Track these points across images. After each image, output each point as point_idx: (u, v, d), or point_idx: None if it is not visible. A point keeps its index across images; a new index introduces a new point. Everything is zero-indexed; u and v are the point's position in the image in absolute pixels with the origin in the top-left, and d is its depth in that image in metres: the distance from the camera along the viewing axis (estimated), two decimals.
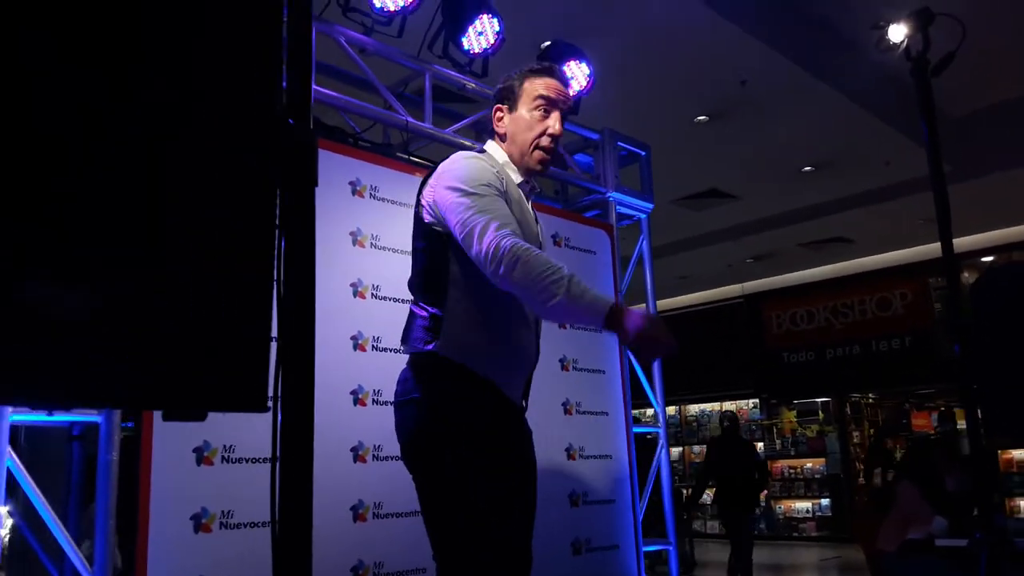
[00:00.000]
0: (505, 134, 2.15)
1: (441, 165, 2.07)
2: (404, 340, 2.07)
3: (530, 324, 2.12)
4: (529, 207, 2.17)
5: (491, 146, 2.19)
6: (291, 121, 1.35)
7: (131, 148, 0.99)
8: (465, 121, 3.91)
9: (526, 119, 2.11)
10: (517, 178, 2.13)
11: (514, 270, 1.81)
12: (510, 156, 2.15)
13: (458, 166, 2.01)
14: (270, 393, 1.11)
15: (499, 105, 2.17)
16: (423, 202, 2.06)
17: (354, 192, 3.33)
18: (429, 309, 2.00)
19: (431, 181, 2.05)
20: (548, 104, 2.11)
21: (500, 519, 1.91)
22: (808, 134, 6.98)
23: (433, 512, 1.95)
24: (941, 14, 2.80)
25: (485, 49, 3.68)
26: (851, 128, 6.79)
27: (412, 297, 2.11)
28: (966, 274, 9.83)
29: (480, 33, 3.62)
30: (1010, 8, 5.54)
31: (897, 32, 2.84)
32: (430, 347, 1.97)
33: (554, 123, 2.11)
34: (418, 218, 2.09)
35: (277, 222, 1.24)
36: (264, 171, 1.18)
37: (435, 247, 2.02)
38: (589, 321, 1.84)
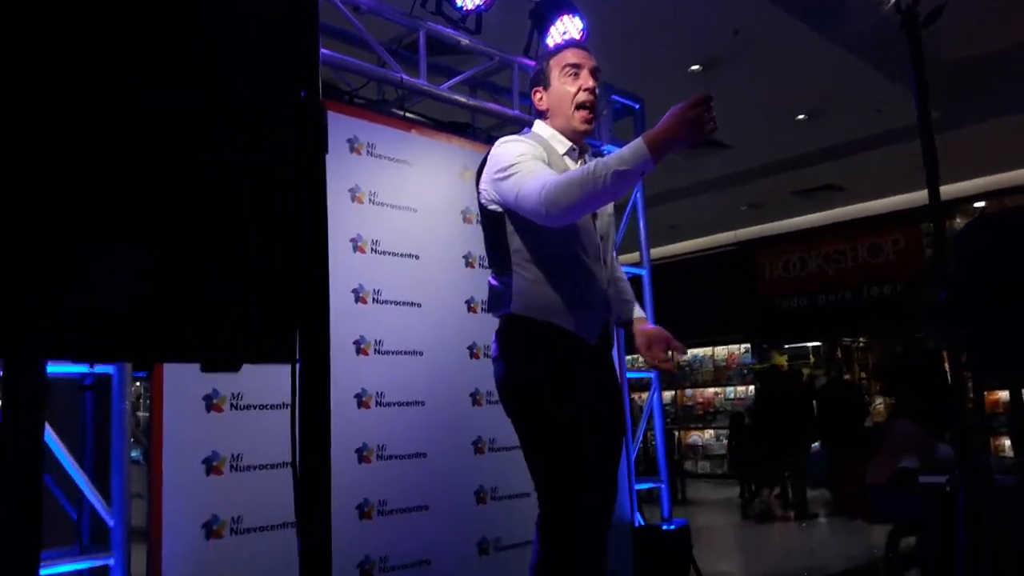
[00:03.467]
0: (547, 110, 2.39)
1: (489, 152, 2.33)
2: (491, 309, 2.37)
3: (592, 271, 2.32)
4: None
5: (537, 125, 2.44)
6: (303, 93, 1.45)
7: (164, 126, 1.08)
8: (460, 77, 3.96)
9: (560, 89, 2.35)
10: (562, 148, 2.35)
11: (560, 203, 2.01)
12: (556, 128, 2.38)
13: (498, 151, 2.27)
14: None
15: (535, 88, 2.42)
16: (479, 188, 2.33)
17: (352, 149, 3.41)
18: (500, 278, 2.30)
19: (484, 169, 2.32)
20: (574, 68, 2.34)
21: (577, 452, 2.18)
22: (800, 82, 7.00)
23: (526, 450, 2.24)
24: None
25: (478, 5, 3.71)
26: (843, 76, 6.81)
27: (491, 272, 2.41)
28: (958, 220, 9.93)
29: None
30: None
31: None
32: (506, 310, 2.26)
33: (584, 80, 2.34)
34: (478, 202, 2.35)
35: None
36: (283, 140, 1.28)
37: (494, 224, 2.30)
38: (644, 171, 1.97)
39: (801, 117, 7.85)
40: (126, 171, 1.03)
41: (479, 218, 2.41)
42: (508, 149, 2.24)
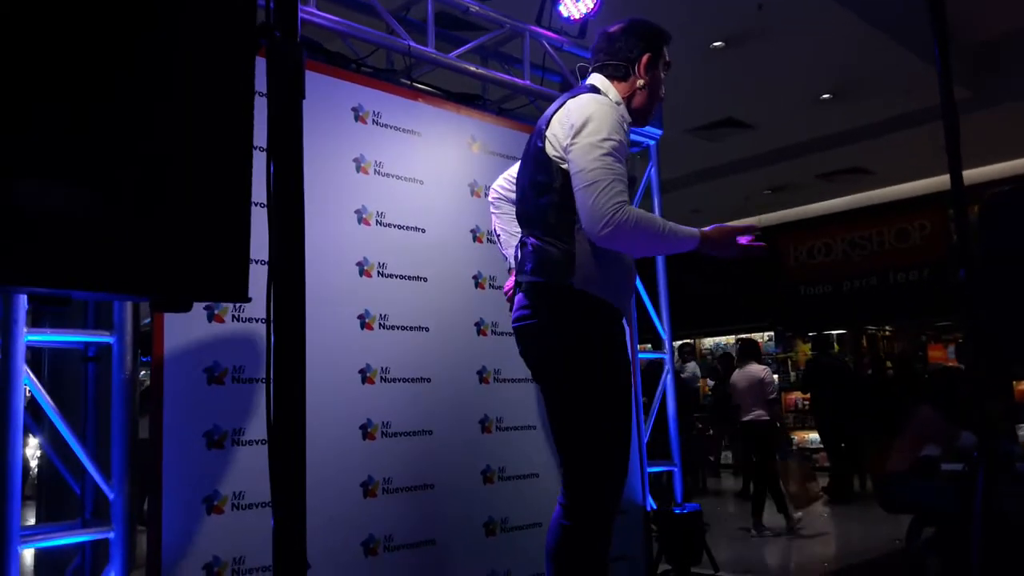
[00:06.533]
0: (645, 83, 2.31)
1: (572, 104, 2.18)
2: (536, 271, 2.20)
3: None
4: None
5: (603, 83, 2.31)
6: (276, 33, 1.37)
7: (118, 66, 1.01)
8: (468, 46, 3.86)
9: (661, 79, 2.36)
10: (627, 120, 2.29)
11: (627, 231, 2.02)
12: (628, 99, 2.31)
13: (595, 112, 2.11)
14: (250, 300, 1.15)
15: (650, 55, 2.32)
16: (548, 136, 2.18)
17: (357, 118, 3.33)
18: (559, 244, 2.15)
19: (560, 117, 2.18)
20: (668, 69, 2.40)
21: (619, 428, 2.16)
22: (827, 60, 6.82)
23: (568, 430, 2.17)
24: None
25: None
26: (871, 54, 6.63)
27: (531, 228, 2.26)
28: None
29: None
30: None
31: None
32: (566, 280, 2.13)
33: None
34: (540, 151, 2.21)
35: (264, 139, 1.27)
36: (243, 79, 1.19)
37: (563, 183, 2.14)
38: (685, 249, 2.17)
39: (826, 96, 7.67)
40: (74, 107, 0.96)
41: (535, 177, 2.22)
42: (609, 120, 2.11)
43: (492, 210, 2.66)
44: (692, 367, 10.55)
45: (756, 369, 7.29)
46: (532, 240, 2.22)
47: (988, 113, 7.40)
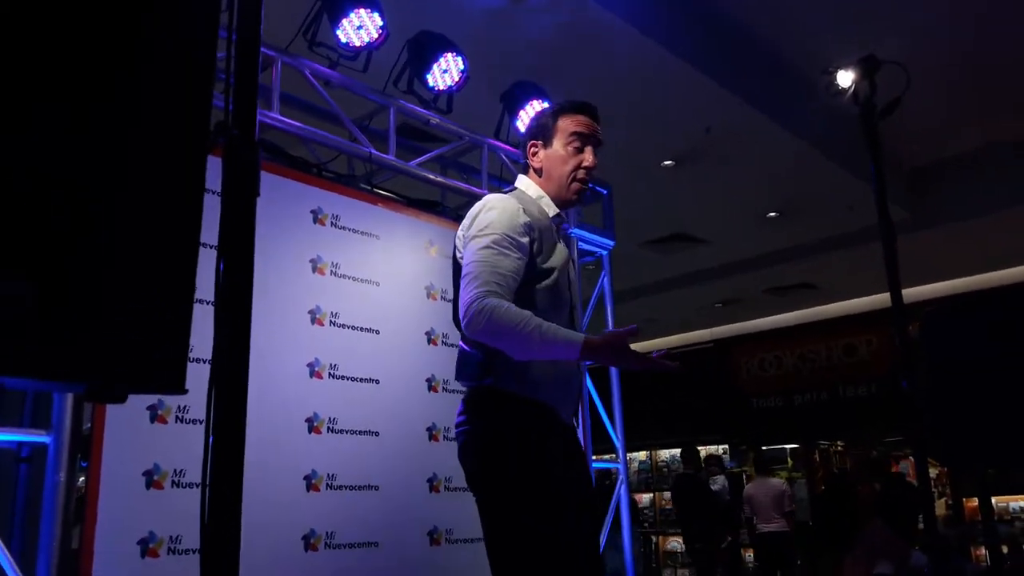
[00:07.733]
0: (541, 169, 2.25)
1: (474, 207, 2.17)
2: (459, 376, 2.15)
3: None
4: (561, 238, 2.27)
5: (523, 182, 2.28)
6: (234, 132, 1.40)
7: (60, 155, 1.02)
8: (429, 155, 3.98)
9: (561, 154, 2.22)
10: (552, 211, 2.22)
11: (482, 326, 1.93)
12: (545, 189, 2.25)
13: (483, 208, 2.12)
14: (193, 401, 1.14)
15: (534, 141, 2.27)
16: (456, 243, 2.18)
17: (315, 220, 3.37)
18: (477, 345, 2.06)
19: (464, 222, 2.16)
20: (581, 140, 2.23)
21: (562, 539, 1.95)
22: (772, 180, 7.13)
23: (496, 538, 1.99)
24: (887, 62, 2.92)
25: (450, 86, 3.76)
26: (814, 174, 6.95)
27: (460, 332, 2.13)
28: None
29: (445, 71, 3.71)
30: (972, 61, 5.75)
31: (845, 78, 2.97)
32: (486, 382, 2.05)
33: (588, 157, 2.23)
34: (455, 259, 2.19)
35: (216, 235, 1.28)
36: (193, 174, 1.21)
37: None
38: (564, 356, 1.99)
39: (773, 214, 7.96)
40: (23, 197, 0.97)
41: (455, 281, 2.15)
42: (497, 217, 2.07)
43: None
44: (722, 480, 10.15)
45: (776, 482, 7.36)
46: (460, 344, 2.18)
47: (927, 233, 7.74)
